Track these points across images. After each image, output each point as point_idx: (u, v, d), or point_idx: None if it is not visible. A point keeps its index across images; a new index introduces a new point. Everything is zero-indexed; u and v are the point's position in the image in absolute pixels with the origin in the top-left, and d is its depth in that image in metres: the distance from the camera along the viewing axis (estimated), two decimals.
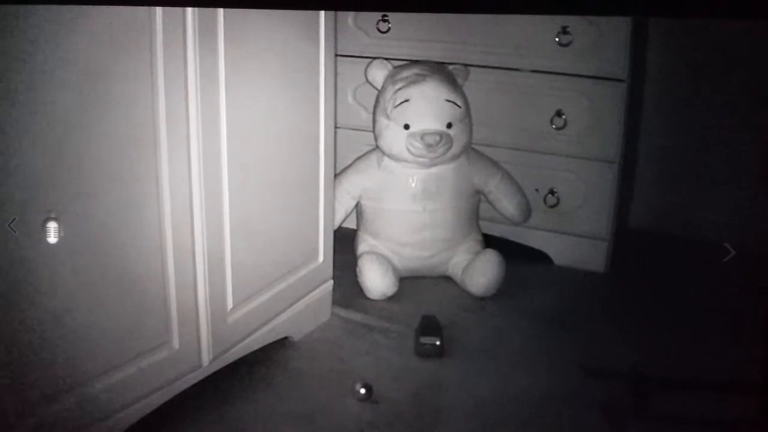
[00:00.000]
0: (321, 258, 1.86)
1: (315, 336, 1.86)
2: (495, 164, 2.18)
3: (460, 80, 2.10)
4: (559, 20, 2.08)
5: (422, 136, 1.98)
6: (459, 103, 2.02)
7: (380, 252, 2.10)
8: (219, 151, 1.48)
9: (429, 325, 1.83)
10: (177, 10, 1.32)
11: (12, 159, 1.12)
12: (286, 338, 1.80)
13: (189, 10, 1.34)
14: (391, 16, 2.24)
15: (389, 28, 2.26)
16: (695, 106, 2.36)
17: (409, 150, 2.01)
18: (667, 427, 1.55)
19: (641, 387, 1.62)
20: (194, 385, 1.53)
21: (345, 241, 2.17)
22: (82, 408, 1.29)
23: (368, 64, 2.12)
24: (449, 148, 2.01)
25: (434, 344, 1.78)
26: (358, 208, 2.18)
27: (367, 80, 2.14)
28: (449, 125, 2.01)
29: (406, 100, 2.00)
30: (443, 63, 2.13)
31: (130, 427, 1.39)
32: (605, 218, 2.20)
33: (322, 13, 1.69)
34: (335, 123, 1.84)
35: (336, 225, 2.05)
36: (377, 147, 2.11)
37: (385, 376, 1.70)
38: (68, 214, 1.20)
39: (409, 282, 2.11)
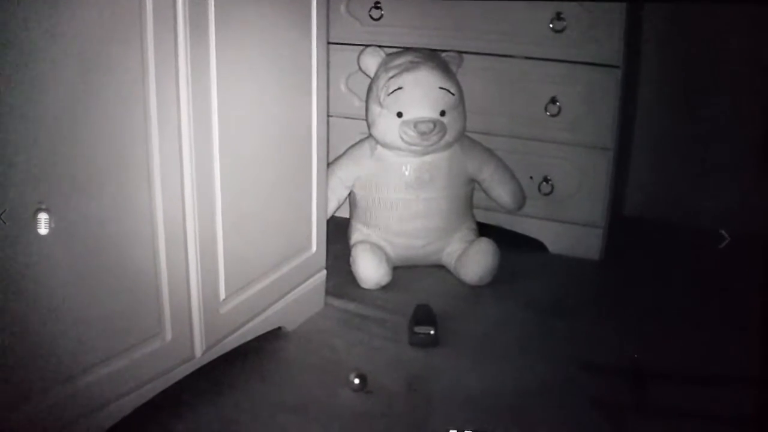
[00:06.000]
0: (314, 248, 1.86)
1: (308, 326, 1.86)
2: (489, 152, 2.17)
3: (453, 67, 2.09)
4: (553, 6, 2.07)
5: (415, 124, 1.97)
6: (452, 90, 2.00)
7: (374, 241, 2.09)
8: (210, 140, 1.47)
9: (423, 315, 1.83)
10: None
11: (1, 149, 1.11)
12: (279, 328, 1.80)
13: None
14: (384, 3, 2.23)
15: (382, 16, 2.24)
16: (690, 91, 2.36)
17: (402, 138, 2.00)
18: (663, 417, 1.54)
19: (637, 377, 1.61)
20: (187, 376, 1.53)
21: (338, 231, 2.17)
22: (75, 399, 1.29)
23: (361, 52, 2.11)
24: (443, 136, 2.00)
25: (428, 333, 1.78)
26: (351, 197, 2.17)
27: (360, 68, 2.13)
28: (443, 113, 2.00)
29: (399, 88, 1.98)
30: (436, 50, 2.12)
31: (124, 418, 1.39)
32: (600, 206, 2.19)
33: (314, 0, 1.68)
34: (328, 111, 1.83)
35: (329, 214, 2.04)
36: (370, 135, 2.10)
37: (379, 365, 1.70)
38: (59, 206, 1.19)
39: (402, 271, 2.11)
